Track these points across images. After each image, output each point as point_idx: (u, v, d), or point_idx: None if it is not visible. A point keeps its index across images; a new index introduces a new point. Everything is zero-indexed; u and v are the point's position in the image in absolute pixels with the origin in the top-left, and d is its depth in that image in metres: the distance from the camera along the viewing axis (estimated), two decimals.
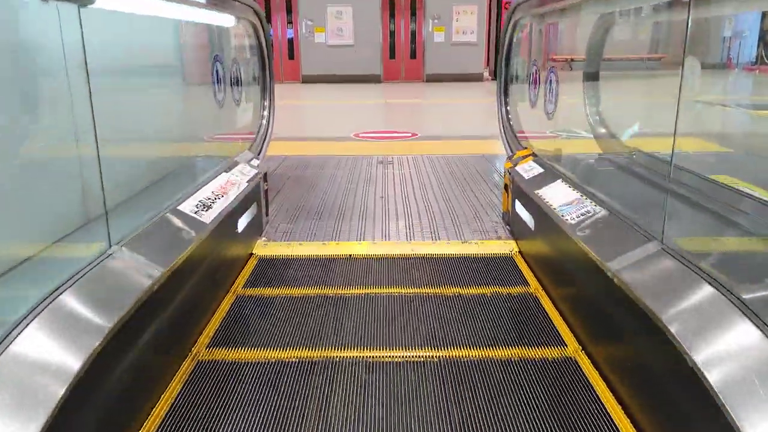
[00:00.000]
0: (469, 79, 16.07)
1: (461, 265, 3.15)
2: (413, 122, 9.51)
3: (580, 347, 2.28)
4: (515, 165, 3.56)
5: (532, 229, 3.06)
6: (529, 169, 3.37)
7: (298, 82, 16.49)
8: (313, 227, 3.75)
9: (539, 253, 3.01)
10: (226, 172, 3.22)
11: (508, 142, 4.05)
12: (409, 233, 3.63)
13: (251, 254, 3.35)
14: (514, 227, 3.54)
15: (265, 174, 3.73)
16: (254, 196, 3.43)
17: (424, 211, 4.07)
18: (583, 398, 1.97)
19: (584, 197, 2.62)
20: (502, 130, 4.17)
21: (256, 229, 3.51)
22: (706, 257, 1.86)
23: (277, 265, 3.17)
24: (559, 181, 2.94)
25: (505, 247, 3.40)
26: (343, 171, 5.35)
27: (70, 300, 1.58)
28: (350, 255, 3.34)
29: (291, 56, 16.62)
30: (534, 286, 2.88)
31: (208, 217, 2.58)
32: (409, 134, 7.51)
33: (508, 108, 4.31)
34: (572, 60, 5.68)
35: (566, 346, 2.32)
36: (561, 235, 2.50)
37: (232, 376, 2.12)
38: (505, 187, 3.74)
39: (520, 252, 3.34)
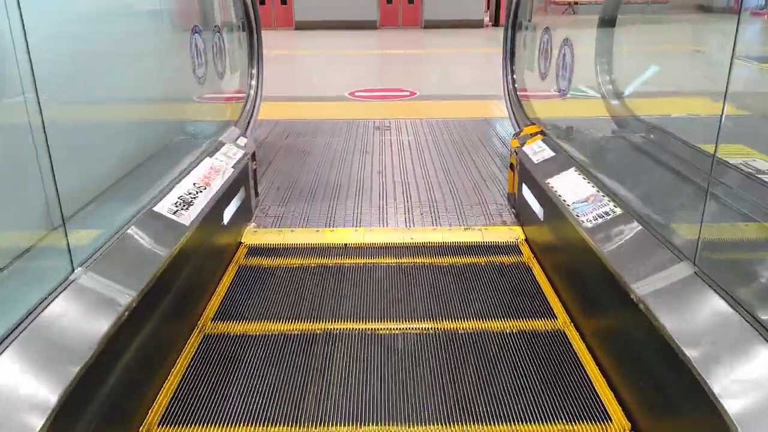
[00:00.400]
0: (469, 26, 15.44)
1: (465, 257, 2.94)
2: (412, 78, 9.10)
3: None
4: (522, 145, 3.31)
5: (542, 219, 2.84)
6: (538, 151, 3.12)
7: (291, 28, 15.84)
8: (306, 210, 3.51)
9: (551, 254, 2.80)
10: (210, 156, 2.96)
11: (514, 115, 3.77)
12: (408, 218, 3.40)
13: (240, 243, 3.13)
14: (521, 212, 3.31)
15: (254, 153, 3.46)
16: (242, 181, 3.18)
17: (424, 189, 3.83)
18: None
19: (600, 193, 2.39)
20: (509, 102, 3.88)
21: (244, 214, 3.28)
22: (750, 285, 1.65)
23: (267, 264, 2.95)
24: (572, 169, 2.70)
25: (511, 234, 3.19)
26: (338, 139, 5.06)
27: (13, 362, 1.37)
28: (346, 245, 3.13)
29: (284, 1, 15.90)
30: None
31: (188, 217, 2.35)
32: (408, 93, 7.17)
33: (515, 77, 4.00)
34: (575, 2, 5.29)
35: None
36: (576, 238, 2.28)
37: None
38: (511, 166, 3.49)
39: (527, 240, 3.12)
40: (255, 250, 3.06)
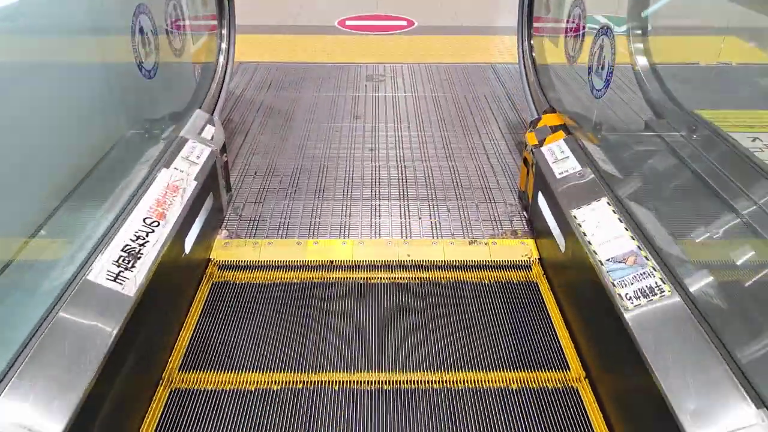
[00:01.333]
0: None
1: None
2: (410, 3, 8.21)
3: None
4: (541, 143, 2.79)
5: (562, 251, 2.40)
6: (560, 158, 2.62)
7: None
8: (287, 210, 3.04)
9: (573, 306, 2.39)
10: (167, 167, 2.45)
11: (531, 96, 3.21)
12: (404, 224, 2.95)
13: (209, 260, 2.70)
14: (535, 220, 2.86)
15: (224, 145, 2.94)
16: (210, 187, 2.69)
17: (422, 178, 3.34)
18: None
19: (643, 251, 1.94)
20: (524, 78, 3.30)
21: (215, 217, 2.82)
22: None
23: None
24: (604, 201, 2.23)
25: (523, 250, 2.76)
26: (325, 95, 4.46)
27: None
28: (331, 262, 2.70)
29: None
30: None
31: (133, 281, 1.90)
32: (405, 23, 6.41)
33: (532, 42, 3.39)
34: None
35: None
36: (610, 315, 1.86)
37: None
38: (525, 161, 3.00)
39: (540, 261, 2.70)
40: (227, 269, 2.64)
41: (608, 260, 1.99)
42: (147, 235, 2.08)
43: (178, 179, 2.44)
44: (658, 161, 2.44)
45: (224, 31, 3.32)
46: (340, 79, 4.77)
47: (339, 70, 4.95)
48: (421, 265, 2.69)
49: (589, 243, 2.10)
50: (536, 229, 2.85)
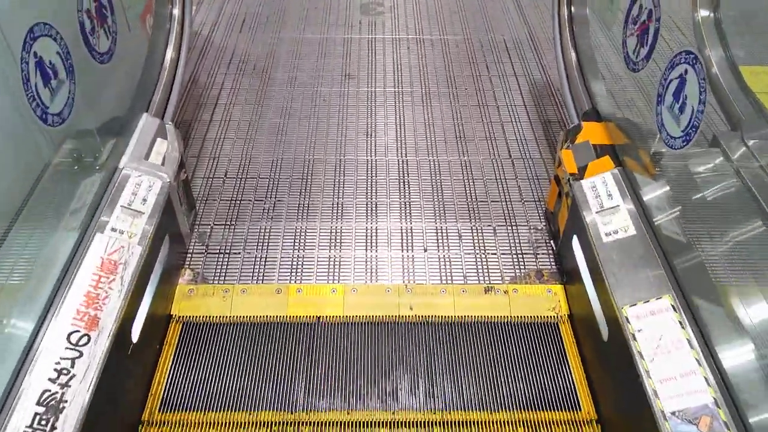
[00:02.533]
0: None
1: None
2: None
3: None
4: (581, 173, 2.20)
5: (605, 339, 1.93)
6: (606, 205, 2.05)
7: None
8: (263, 238, 2.50)
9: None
10: (101, 231, 1.89)
11: (569, 86, 2.53)
12: (407, 263, 2.43)
13: (170, 317, 2.23)
14: (566, 260, 2.35)
15: (182, 161, 2.32)
16: (164, 232, 2.14)
17: (429, 185, 2.76)
18: None
19: (722, 413, 1.48)
20: (561, 59, 2.59)
21: (176, 251, 2.31)
22: None
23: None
24: (669, 303, 1.72)
25: (550, 301, 2.29)
26: (310, 41, 3.68)
27: None
28: (318, 318, 2.24)
29: None
30: None
31: None
32: None
33: (573, 8, 2.63)
34: None
35: None
36: None
37: None
38: (556, 179, 2.42)
39: (571, 318, 2.24)
40: (190, 332, 2.18)
41: (673, 414, 1.53)
42: (73, 365, 1.59)
43: (116, 249, 1.89)
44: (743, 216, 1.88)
45: None
46: (328, 11, 3.94)
47: (326, 15, 4.09)
48: (427, 322, 2.23)
49: (647, 373, 1.63)
50: (566, 271, 2.35)
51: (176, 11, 2.57)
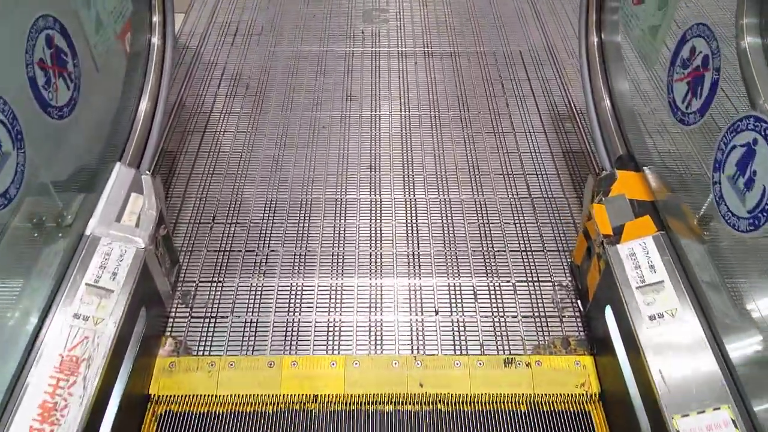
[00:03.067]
0: None
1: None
2: None
3: None
4: (617, 235, 1.91)
5: None
6: (648, 279, 1.77)
7: None
8: (254, 298, 2.23)
9: None
10: (62, 319, 1.62)
11: (599, 128, 2.22)
12: (416, 324, 2.16)
13: (148, 398, 1.97)
14: (595, 327, 2.08)
15: (161, 217, 2.04)
16: (139, 304, 1.87)
17: (439, 230, 2.48)
18: None
19: None
20: (590, 99, 2.28)
21: (154, 327, 2.05)
22: None
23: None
24: (728, 416, 1.44)
25: (578, 376, 2.02)
26: (308, 55, 3.37)
27: None
28: (316, 397, 1.98)
29: None
30: None
31: None
32: None
33: (603, 36, 2.32)
34: None
35: None
36: None
37: None
38: (585, 234, 2.13)
39: (602, 399, 1.98)
40: (174, 414, 1.92)
41: None
42: None
43: (79, 342, 1.63)
44: None
45: (156, 18, 2.23)
46: (328, 19, 3.62)
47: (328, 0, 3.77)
48: (439, 400, 1.97)
49: None
50: (596, 338, 2.08)
51: (156, 40, 2.26)
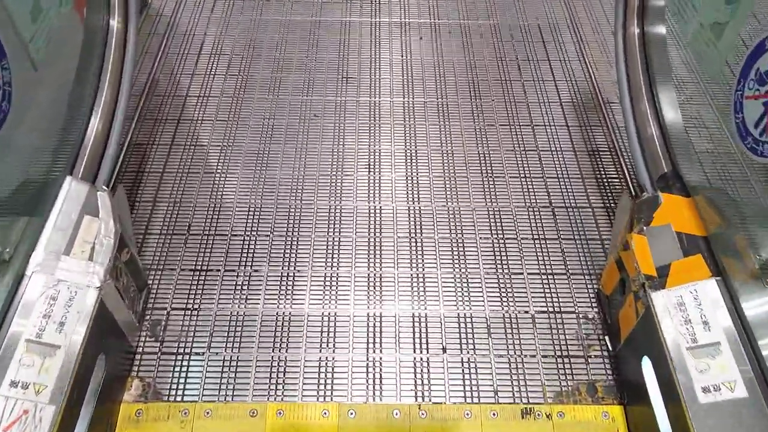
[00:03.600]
0: None
1: None
2: None
3: None
4: (662, 277, 1.61)
5: None
6: (701, 340, 1.49)
7: None
8: (234, 328, 1.94)
9: None
10: (12, 386, 1.33)
11: (638, 138, 1.89)
12: (419, 365, 1.88)
13: None
14: (625, 372, 1.81)
15: (123, 240, 1.72)
16: (94, 356, 1.58)
17: (448, 250, 2.17)
18: None
19: None
20: (628, 103, 1.93)
21: (118, 368, 1.77)
22: None
23: None
24: None
25: (605, 430, 1.77)
26: (298, 24, 2.97)
27: None
28: None
29: None
30: None
31: None
32: None
33: (646, 28, 1.95)
34: None
35: None
36: None
37: None
38: (619, 263, 1.83)
39: None
40: None
41: None
42: None
43: (17, 418, 1.34)
44: None
45: None
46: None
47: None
48: None
49: None
50: (627, 385, 1.81)
51: (115, 23, 1.88)
